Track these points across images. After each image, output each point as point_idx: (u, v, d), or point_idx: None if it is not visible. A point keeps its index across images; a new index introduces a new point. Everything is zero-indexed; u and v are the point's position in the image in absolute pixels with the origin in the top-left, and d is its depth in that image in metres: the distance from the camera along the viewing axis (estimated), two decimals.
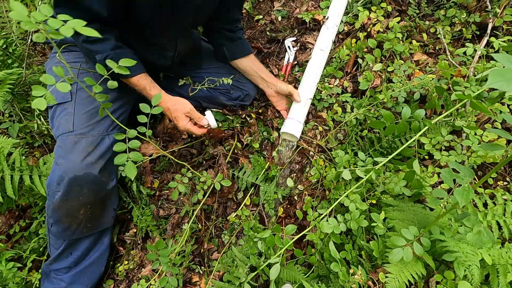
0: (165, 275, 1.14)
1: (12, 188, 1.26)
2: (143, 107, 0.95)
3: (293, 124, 1.35)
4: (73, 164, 1.09)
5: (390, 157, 0.94)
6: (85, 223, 1.19)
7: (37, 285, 1.31)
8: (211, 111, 1.39)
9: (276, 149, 1.40)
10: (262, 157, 1.43)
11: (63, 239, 1.22)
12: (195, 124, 1.25)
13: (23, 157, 1.35)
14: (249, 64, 1.45)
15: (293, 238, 1.03)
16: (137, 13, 1.05)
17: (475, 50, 1.17)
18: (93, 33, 0.59)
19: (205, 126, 1.25)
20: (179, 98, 1.20)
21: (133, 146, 0.91)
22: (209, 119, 1.26)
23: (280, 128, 1.39)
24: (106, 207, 1.25)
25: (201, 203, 1.31)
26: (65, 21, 0.59)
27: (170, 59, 1.33)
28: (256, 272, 1.04)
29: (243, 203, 1.35)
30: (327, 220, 0.98)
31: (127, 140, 0.91)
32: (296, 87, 1.43)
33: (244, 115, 1.50)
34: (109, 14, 0.98)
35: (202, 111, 1.61)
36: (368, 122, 1.26)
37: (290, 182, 1.33)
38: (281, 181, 1.37)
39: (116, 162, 0.90)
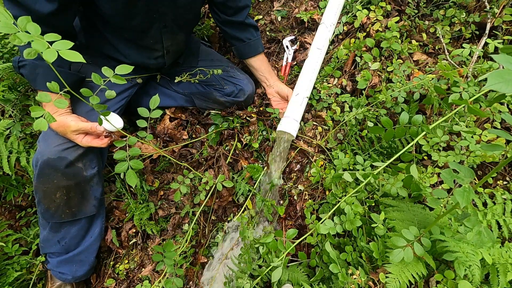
0: (167, 276, 1.14)
1: (9, 167, 1.35)
2: (142, 111, 0.95)
3: (289, 122, 1.36)
4: (48, 148, 1.12)
5: (388, 162, 0.95)
6: (63, 207, 1.21)
7: (40, 268, 1.38)
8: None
9: (272, 151, 1.40)
10: (259, 164, 1.43)
11: (47, 221, 1.25)
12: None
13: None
14: (257, 63, 1.51)
15: (294, 242, 1.04)
16: (101, 10, 1.07)
17: (471, 51, 1.17)
18: (77, 57, 0.58)
19: (104, 134, 1.12)
20: (61, 119, 1.08)
21: (133, 154, 0.90)
22: (105, 124, 0.99)
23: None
24: (85, 194, 1.26)
25: (203, 205, 1.32)
26: (50, 43, 0.57)
27: (161, 59, 1.33)
28: (259, 277, 1.04)
29: (243, 206, 1.36)
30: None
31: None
32: (293, 87, 1.45)
33: (244, 116, 1.50)
34: (53, 14, 0.97)
35: (197, 110, 1.63)
36: (368, 122, 1.26)
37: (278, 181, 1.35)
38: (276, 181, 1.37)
39: (117, 170, 0.90)
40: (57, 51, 0.56)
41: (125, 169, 0.90)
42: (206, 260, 1.36)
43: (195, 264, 1.35)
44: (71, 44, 0.58)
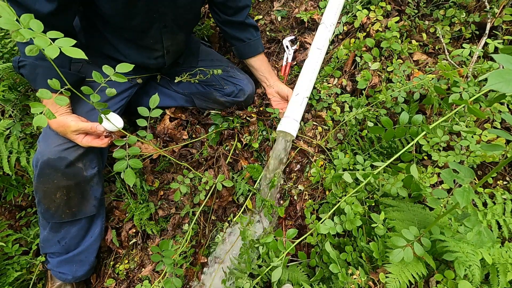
0: (167, 276, 1.14)
1: (9, 167, 1.34)
2: (142, 110, 0.95)
3: (289, 122, 1.36)
4: (48, 148, 1.12)
5: (388, 162, 0.95)
6: (63, 207, 1.21)
7: (40, 268, 1.38)
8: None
9: (272, 150, 1.40)
10: (259, 164, 1.43)
11: (47, 221, 1.25)
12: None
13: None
14: (257, 63, 1.51)
15: (294, 242, 1.04)
16: (102, 11, 1.07)
17: (471, 51, 1.17)
18: (79, 54, 0.57)
19: (104, 134, 1.11)
20: (61, 119, 1.08)
21: (133, 153, 0.90)
22: (105, 124, 0.99)
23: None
24: (85, 194, 1.26)
25: (203, 204, 1.32)
26: (53, 40, 0.56)
27: (161, 59, 1.33)
28: (259, 277, 1.04)
29: (243, 206, 1.35)
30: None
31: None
32: (293, 87, 1.45)
33: (244, 116, 1.50)
34: (53, 14, 0.97)
35: (197, 110, 1.63)
36: (368, 122, 1.26)
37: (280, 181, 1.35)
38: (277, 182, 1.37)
39: (116, 169, 0.90)
40: (59, 48, 0.55)
41: (124, 168, 0.90)
42: (206, 260, 1.36)
43: (195, 264, 1.35)
44: (74, 41, 0.58)
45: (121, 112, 1.33)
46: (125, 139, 0.94)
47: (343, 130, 1.37)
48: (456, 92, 1.02)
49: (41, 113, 0.64)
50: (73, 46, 0.58)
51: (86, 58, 0.59)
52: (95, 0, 1.03)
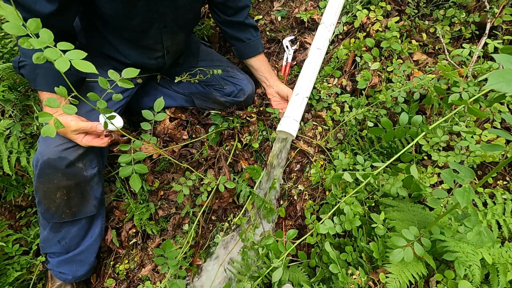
0: (168, 278, 1.14)
1: (9, 167, 1.34)
2: (146, 113, 0.95)
3: (289, 122, 1.36)
4: (48, 148, 1.12)
5: (388, 162, 0.95)
6: (63, 207, 1.21)
7: (40, 268, 1.38)
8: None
9: (272, 151, 1.39)
10: (259, 164, 1.43)
11: (47, 221, 1.25)
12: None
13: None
14: (257, 63, 1.51)
15: (294, 242, 1.04)
16: (102, 11, 1.07)
17: (471, 51, 1.17)
18: (90, 68, 0.57)
19: (105, 134, 1.11)
20: (61, 119, 1.05)
21: (138, 158, 0.90)
22: (102, 122, 1.02)
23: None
24: (85, 194, 1.26)
25: (204, 206, 1.31)
26: (64, 51, 0.56)
27: (161, 59, 1.33)
28: (260, 278, 1.04)
29: (244, 207, 1.35)
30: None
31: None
32: (293, 87, 1.45)
33: (244, 116, 1.50)
34: (53, 14, 0.97)
35: (197, 110, 1.63)
36: (368, 122, 1.26)
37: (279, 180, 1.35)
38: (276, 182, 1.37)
39: (121, 174, 0.90)
40: (70, 61, 0.55)
41: (130, 173, 0.90)
42: (205, 261, 1.36)
43: (194, 265, 1.35)
44: (84, 54, 0.58)
45: (121, 112, 1.33)
46: (126, 138, 0.94)
47: (343, 130, 1.37)
48: (456, 92, 1.02)
49: (47, 122, 0.64)
50: (72, 45, 0.58)
51: (97, 72, 0.58)
52: (95, 0, 1.03)
